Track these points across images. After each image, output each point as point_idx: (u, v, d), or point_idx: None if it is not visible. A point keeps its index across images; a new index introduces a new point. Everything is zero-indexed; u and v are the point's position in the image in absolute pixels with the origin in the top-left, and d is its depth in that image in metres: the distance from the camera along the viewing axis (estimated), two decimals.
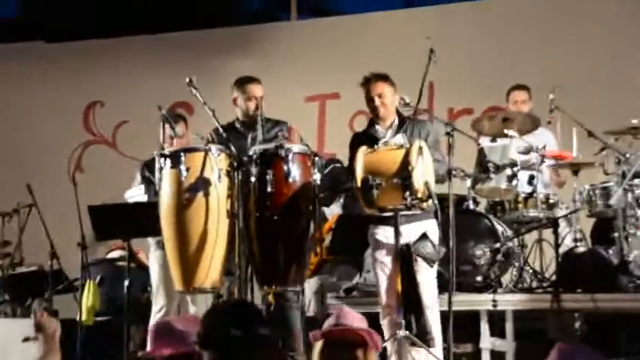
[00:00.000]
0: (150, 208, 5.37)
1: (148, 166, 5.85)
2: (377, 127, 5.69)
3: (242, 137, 5.75)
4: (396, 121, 5.65)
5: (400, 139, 5.29)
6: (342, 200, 6.87)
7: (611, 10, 8.10)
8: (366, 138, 5.57)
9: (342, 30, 9.15)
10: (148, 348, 3.50)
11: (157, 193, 5.26)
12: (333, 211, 6.76)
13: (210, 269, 5.04)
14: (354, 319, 3.77)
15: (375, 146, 5.37)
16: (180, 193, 5.05)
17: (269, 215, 5.15)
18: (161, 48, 9.43)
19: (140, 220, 5.56)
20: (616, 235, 6.11)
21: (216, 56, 8.97)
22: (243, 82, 5.93)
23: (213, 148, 5.17)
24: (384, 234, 5.43)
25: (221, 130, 5.51)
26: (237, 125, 5.86)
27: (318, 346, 3.50)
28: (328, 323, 3.64)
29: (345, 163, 5.80)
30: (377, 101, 5.59)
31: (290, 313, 5.73)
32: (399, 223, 5.23)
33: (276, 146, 5.32)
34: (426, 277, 5.40)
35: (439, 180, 5.51)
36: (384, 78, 5.66)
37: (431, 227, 5.42)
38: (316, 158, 5.36)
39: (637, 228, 6.08)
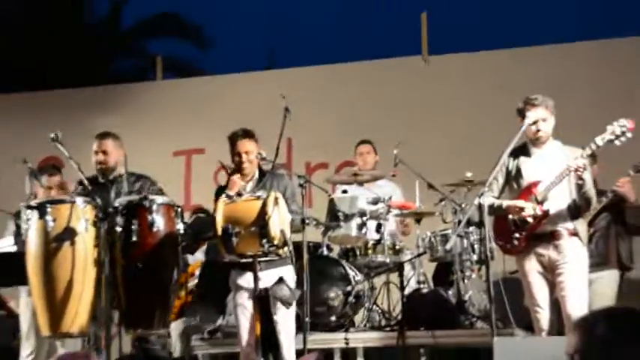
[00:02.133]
0: (16, 258, 5.27)
1: (19, 216, 5.76)
2: (241, 180, 5.76)
3: (105, 190, 5.72)
4: (257, 175, 5.73)
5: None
6: (204, 247, 6.90)
7: (448, 78, 8.46)
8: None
9: (206, 89, 9.23)
10: None
11: (24, 244, 5.19)
12: (196, 257, 6.79)
13: (77, 315, 4.96)
14: None
15: (234, 197, 5.47)
16: (48, 243, 4.97)
17: (134, 263, 5.14)
18: (32, 105, 9.27)
19: (7, 270, 5.44)
20: (454, 277, 6.32)
21: (86, 113, 8.87)
22: (96, 137, 5.94)
23: (79, 199, 5.12)
24: (245, 279, 5.46)
25: (86, 182, 5.46)
26: (102, 180, 5.84)
27: None
28: None
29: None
30: (244, 157, 5.60)
31: (156, 355, 5.70)
32: (257, 269, 5.29)
33: (140, 198, 5.33)
34: (285, 318, 5.48)
35: (295, 229, 5.63)
36: (251, 135, 5.67)
37: (287, 272, 5.50)
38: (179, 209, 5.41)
39: (472, 271, 6.34)
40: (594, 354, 2.43)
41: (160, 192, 5.88)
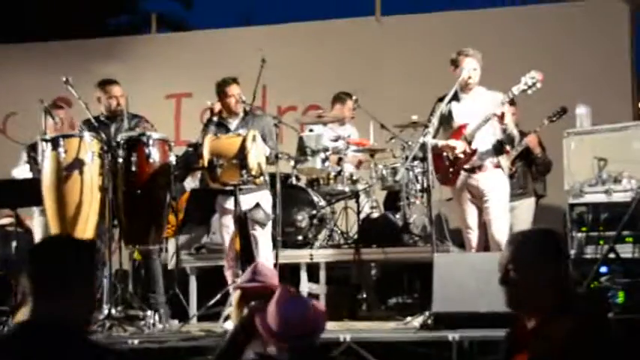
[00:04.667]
0: (32, 184, 5.21)
1: (33, 148, 5.67)
2: (228, 118, 5.72)
3: (107, 128, 5.65)
4: (241, 114, 5.70)
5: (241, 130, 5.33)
6: (199, 176, 6.78)
7: (398, 36, 8.35)
8: (219, 126, 5.64)
9: (193, 42, 9.05)
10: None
11: (39, 172, 5.12)
12: (191, 185, 6.71)
13: (85, 232, 4.97)
14: (269, 274, 3.02)
15: (219, 134, 5.43)
16: (60, 171, 4.96)
17: (133, 190, 5.13)
18: (45, 53, 9.03)
19: (24, 193, 5.37)
20: (401, 203, 6.31)
21: (91, 61, 8.64)
22: (104, 84, 5.85)
23: (87, 134, 5.09)
24: (230, 203, 5.44)
25: (93, 121, 5.42)
26: (102, 118, 5.75)
27: (236, 295, 3.14)
28: (246, 278, 3.03)
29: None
30: (233, 100, 5.62)
31: (153, 265, 5.69)
32: (239, 194, 5.30)
33: (139, 133, 5.28)
34: (262, 236, 5.54)
35: (271, 162, 5.62)
36: (237, 82, 5.68)
37: (264, 197, 5.56)
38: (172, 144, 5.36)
39: (416, 198, 6.33)
40: (525, 264, 2.50)
41: (152, 128, 5.81)
